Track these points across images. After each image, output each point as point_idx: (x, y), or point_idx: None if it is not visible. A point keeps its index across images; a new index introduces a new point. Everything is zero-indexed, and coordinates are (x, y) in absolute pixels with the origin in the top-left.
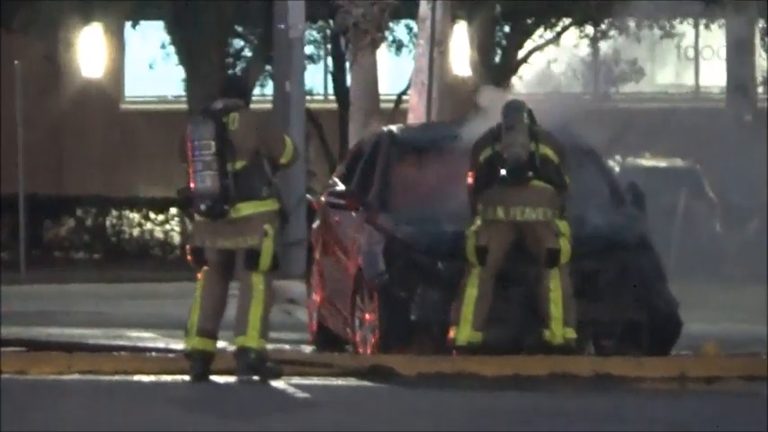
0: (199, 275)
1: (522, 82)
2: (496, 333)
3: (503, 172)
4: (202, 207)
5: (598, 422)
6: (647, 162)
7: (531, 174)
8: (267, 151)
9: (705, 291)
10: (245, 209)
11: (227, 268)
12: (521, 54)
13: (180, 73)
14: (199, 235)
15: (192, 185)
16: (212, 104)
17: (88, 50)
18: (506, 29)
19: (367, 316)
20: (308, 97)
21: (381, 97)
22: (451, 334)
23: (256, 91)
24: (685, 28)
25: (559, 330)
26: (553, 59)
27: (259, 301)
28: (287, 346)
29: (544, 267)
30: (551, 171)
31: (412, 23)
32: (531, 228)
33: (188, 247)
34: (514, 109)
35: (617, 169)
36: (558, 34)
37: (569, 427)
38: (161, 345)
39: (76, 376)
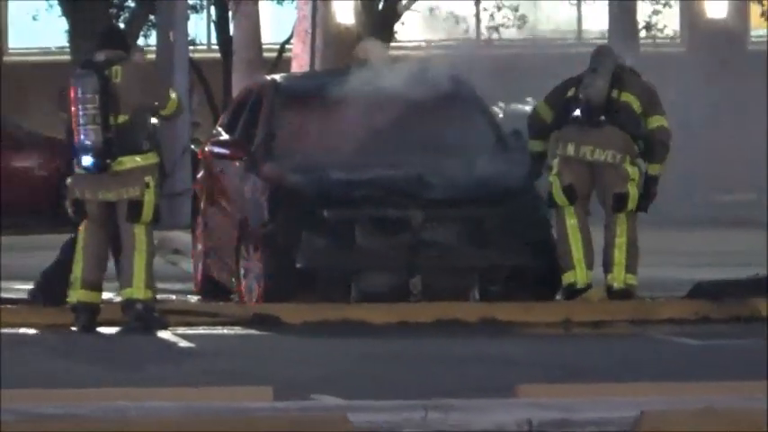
0: (80, 228)
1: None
2: (382, 280)
3: (577, 112)
4: (85, 161)
5: (484, 366)
6: (529, 108)
7: (602, 118)
8: (150, 104)
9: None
10: (127, 162)
11: (107, 220)
12: (404, 1)
13: (63, 24)
14: (79, 188)
15: (75, 139)
16: (94, 56)
17: None
18: None
19: (252, 265)
20: (191, 47)
21: (264, 46)
22: (569, 279)
23: (140, 41)
24: None
25: (621, 275)
26: (436, 6)
27: (142, 252)
28: (173, 297)
29: (612, 212)
30: (629, 119)
31: None
32: (601, 170)
33: (67, 200)
34: (601, 54)
35: (501, 116)
36: None
37: (456, 370)
38: None
39: None
